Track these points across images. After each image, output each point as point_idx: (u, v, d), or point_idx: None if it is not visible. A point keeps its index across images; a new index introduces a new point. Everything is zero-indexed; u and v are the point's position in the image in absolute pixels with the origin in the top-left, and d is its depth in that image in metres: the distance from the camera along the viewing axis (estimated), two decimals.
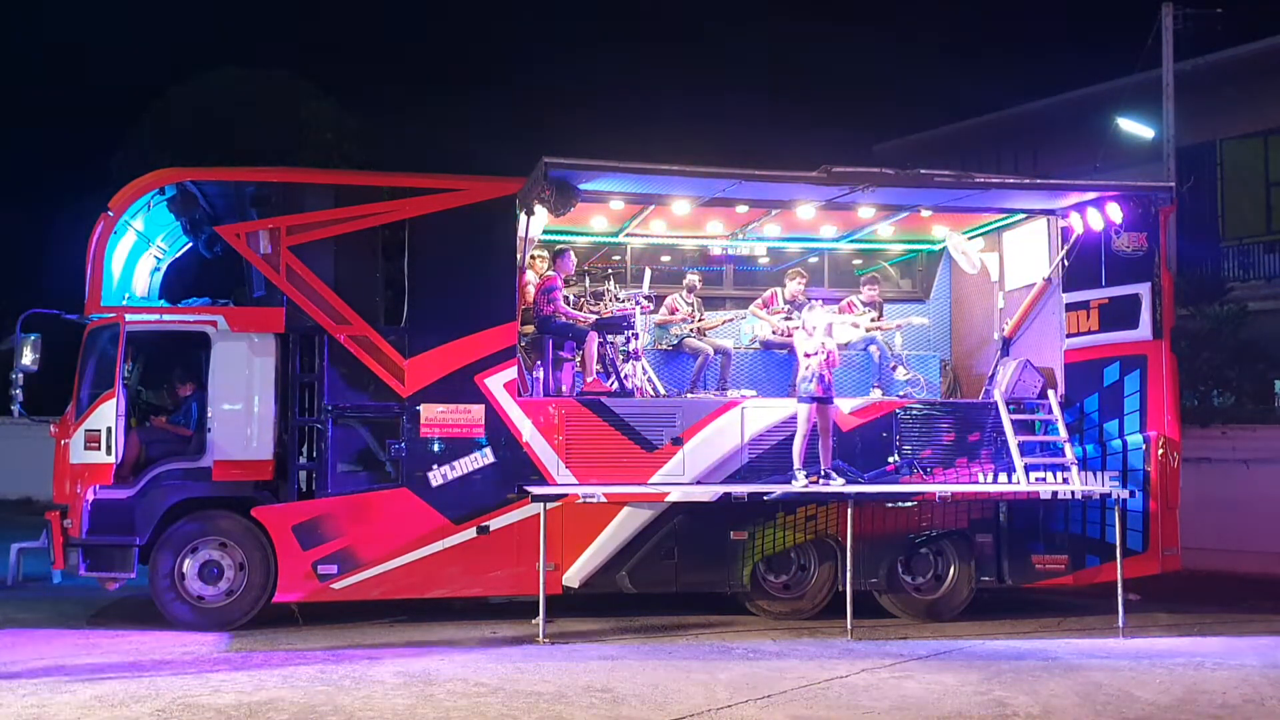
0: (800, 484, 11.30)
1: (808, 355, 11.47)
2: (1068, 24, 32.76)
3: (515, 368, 11.44)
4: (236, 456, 11.00)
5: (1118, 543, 11.31)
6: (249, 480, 11.08)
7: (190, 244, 12.27)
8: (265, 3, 33.08)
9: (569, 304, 12.53)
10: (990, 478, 12.00)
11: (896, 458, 11.92)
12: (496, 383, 11.32)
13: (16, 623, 10.98)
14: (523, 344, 11.93)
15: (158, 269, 12.56)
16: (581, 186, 11.15)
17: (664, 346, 13.15)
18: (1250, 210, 24.65)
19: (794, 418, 11.63)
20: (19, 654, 9.56)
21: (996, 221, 13.48)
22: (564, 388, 12.08)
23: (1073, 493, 11.56)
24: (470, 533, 11.14)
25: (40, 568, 11.17)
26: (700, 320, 13.22)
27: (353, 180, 12.24)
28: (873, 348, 13.12)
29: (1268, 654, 10.16)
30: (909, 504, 11.65)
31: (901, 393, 12.85)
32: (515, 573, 11.10)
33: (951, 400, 13.21)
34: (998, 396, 12.23)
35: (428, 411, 11.21)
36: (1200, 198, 23.72)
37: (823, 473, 11.41)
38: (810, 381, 11.39)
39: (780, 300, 13.51)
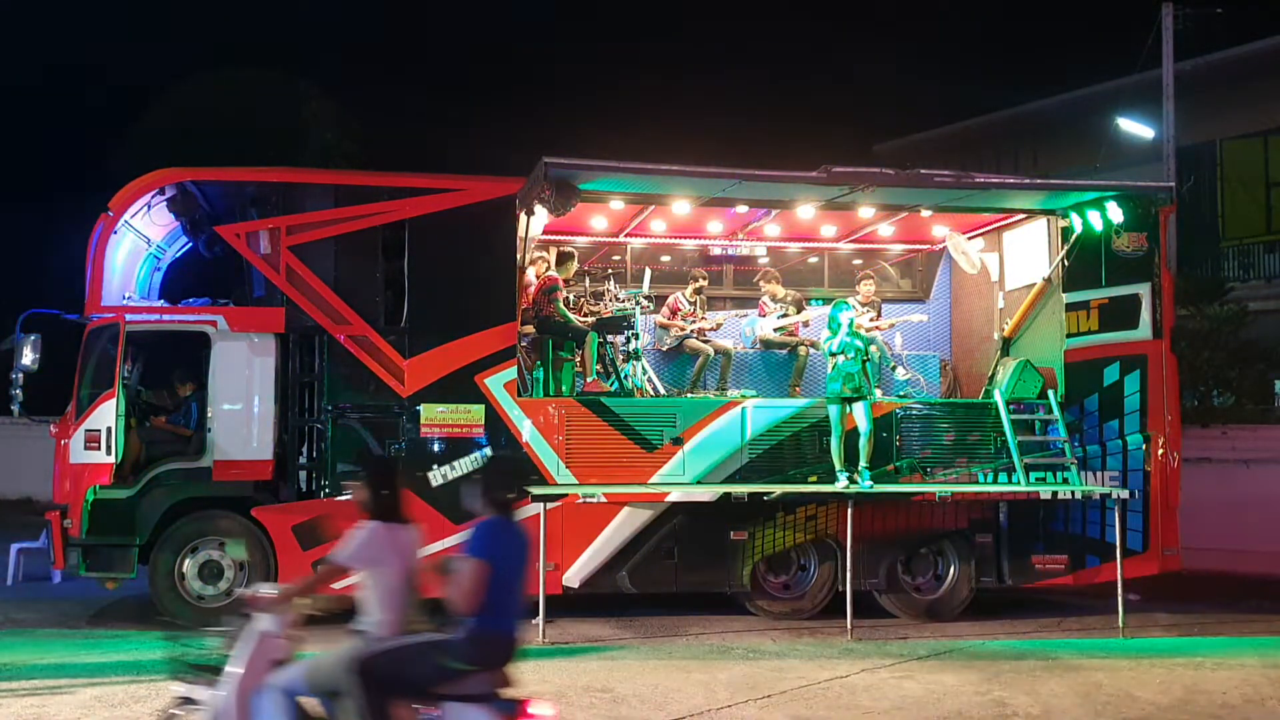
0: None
1: (834, 355, 11.50)
2: (1068, 24, 32.75)
3: (515, 368, 11.44)
4: (236, 456, 11.00)
5: (1118, 543, 11.31)
6: (249, 480, 11.09)
7: (190, 244, 12.27)
8: (265, 3, 33.09)
9: (569, 304, 12.53)
10: (990, 478, 12.01)
11: (896, 458, 11.92)
12: (496, 383, 11.32)
13: (16, 623, 10.98)
14: (523, 344, 11.93)
15: (158, 269, 12.56)
16: (581, 186, 11.15)
17: (664, 347, 13.14)
18: (1250, 210, 24.64)
19: (795, 418, 11.72)
20: (19, 654, 9.56)
21: (996, 221, 13.47)
22: (564, 388, 12.08)
23: (1073, 493, 11.56)
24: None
25: (40, 568, 11.17)
26: (701, 320, 13.21)
27: (353, 180, 12.24)
28: (872, 347, 13.10)
29: (1268, 654, 10.17)
30: (909, 504, 11.65)
31: (901, 393, 12.85)
32: None
33: (951, 400, 13.21)
34: (998, 396, 12.23)
35: (428, 411, 11.22)
36: (1200, 198, 23.74)
37: (852, 470, 11.42)
38: (837, 380, 11.41)
39: (788, 302, 13.53)
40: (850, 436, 11.40)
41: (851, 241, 14.04)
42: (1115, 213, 12.04)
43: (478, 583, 5.21)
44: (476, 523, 5.46)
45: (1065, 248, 12.57)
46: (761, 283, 13.59)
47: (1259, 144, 24.48)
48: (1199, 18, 20.09)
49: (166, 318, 11.35)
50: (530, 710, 5.17)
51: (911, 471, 11.92)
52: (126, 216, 11.35)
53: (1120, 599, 11.13)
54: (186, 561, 10.83)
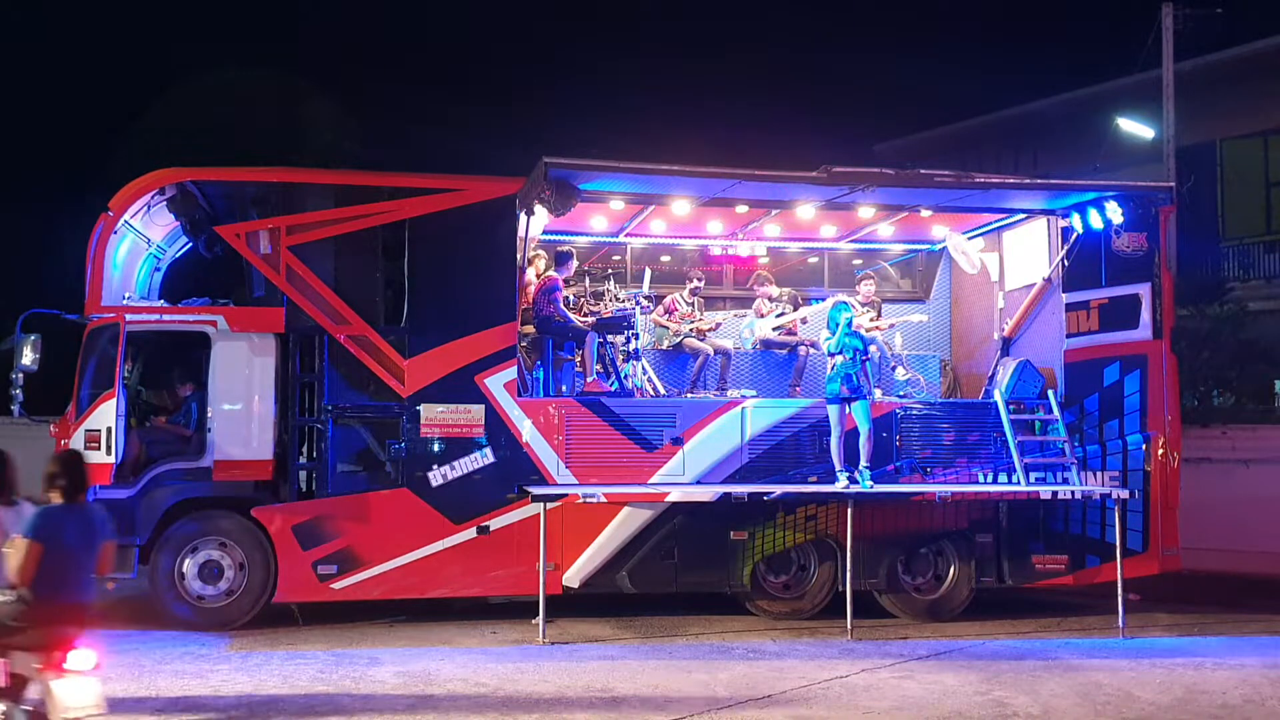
0: (841, 484, 11.26)
1: (832, 355, 11.48)
2: (1067, 24, 32.77)
3: (515, 368, 11.44)
4: (236, 456, 11.00)
5: (1118, 543, 11.31)
6: (249, 480, 11.09)
7: (190, 244, 12.26)
8: (265, 2, 33.08)
9: (569, 304, 12.52)
10: (990, 478, 12.00)
11: (896, 458, 11.91)
12: (496, 383, 11.32)
13: None
14: (523, 344, 11.93)
15: (158, 269, 12.56)
16: (581, 186, 11.15)
17: (664, 346, 13.14)
18: (1250, 210, 24.63)
19: (795, 418, 11.71)
20: None
21: (996, 221, 13.48)
22: (564, 388, 12.08)
23: (1073, 493, 11.55)
24: (470, 533, 11.14)
25: None
26: (699, 320, 13.21)
27: (353, 180, 12.24)
28: (872, 348, 13.09)
29: (1268, 654, 10.17)
30: (909, 504, 11.64)
31: (901, 393, 12.85)
32: (515, 573, 11.10)
33: (951, 400, 13.21)
34: (998, 396, 12.23)
35: (428, 411, 11.21)
36: (1200, 198, 23.70)
37: (852, 470, 11.38)
38: (835, 381, 11.39)
39: (777, 301, 13.53)
40: (850, 436, 11.39)
41: (851, 241, 14.03)
42: (1115, 213, 12.03)
43: (29, 559, 6.16)
44: (39, 508, 6.45)
45: (1065, 248, 12.57)
46: (755, 286, 13.63)
47: (1259, 144, 24.47)
48: (1199, 18, 20.09)
49: (166, 318, 11.34)
50: (69, 655, 6.13)
51: (911, 471, 11.93)
52: (126, 216, 11.35)
53: (1120, 599, 11.12)
54: (186, 561, 10.82)
